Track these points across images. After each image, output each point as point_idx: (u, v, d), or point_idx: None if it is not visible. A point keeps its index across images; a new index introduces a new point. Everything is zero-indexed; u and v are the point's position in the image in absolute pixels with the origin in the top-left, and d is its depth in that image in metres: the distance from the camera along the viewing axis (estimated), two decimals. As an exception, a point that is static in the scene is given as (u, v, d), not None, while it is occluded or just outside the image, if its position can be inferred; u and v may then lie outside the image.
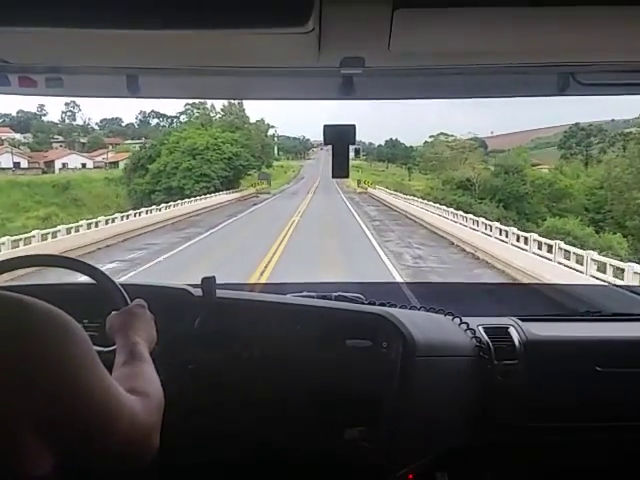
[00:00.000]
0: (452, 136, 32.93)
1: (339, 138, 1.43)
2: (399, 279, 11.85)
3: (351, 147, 1.44)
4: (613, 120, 34.21)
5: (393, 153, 41.74)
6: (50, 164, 31.89)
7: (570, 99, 1.64)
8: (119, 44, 1.07)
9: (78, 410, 0.81)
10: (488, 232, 16.05)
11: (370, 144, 44.61)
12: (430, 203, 23.14)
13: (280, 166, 40.28)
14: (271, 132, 36.90)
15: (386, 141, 43.60)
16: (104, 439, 0.85)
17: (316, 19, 0.94)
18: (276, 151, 41.11)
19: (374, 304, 1.83)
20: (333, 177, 1.47)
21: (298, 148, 47.29)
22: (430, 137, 33.75)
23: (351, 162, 1.47)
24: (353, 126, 1.43)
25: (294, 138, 48.11)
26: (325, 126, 1.42)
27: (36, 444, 0.77)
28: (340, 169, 1.45)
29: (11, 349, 0.77)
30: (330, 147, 1.43)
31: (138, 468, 0.92)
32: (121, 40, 1.04)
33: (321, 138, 1.44)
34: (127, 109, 54.47)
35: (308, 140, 47.89)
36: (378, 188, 32.24)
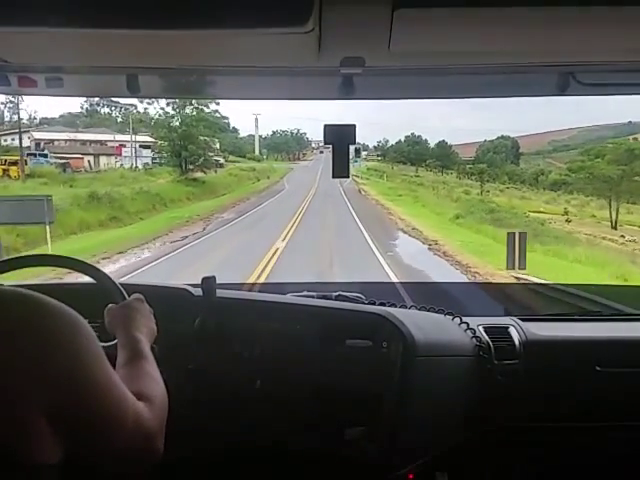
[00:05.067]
0: None
1: (339, 138, 1.43)
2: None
3: (351, 147, 1.44)
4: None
5: (418, 153, 30.76)
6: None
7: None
8: (119, 44, 1.08)
9: (86, 401, 0.84)
10: None
11: (386, 141, 33.39)
12: None
13: (252, 169, 26.75)
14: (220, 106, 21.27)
15: (406, 137, 32.44)
16: (108, 434, 0.87)
17: (316, 19, 0.94)
18: (257, 149, 28.96)
19: (374, 304, 1.82)
20: (334, 177, 1.47)
21: (290, 145, 34.47)
22: None
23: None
24: (353, 126, 1.43)
25: (284, 132, 34.00)
26: (325, 126, 1.42)
27: (46, 431, 0.81)
28: (340, 169, 1.45)
29: (28, 342, 0.80)
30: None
31: (139, 471, 0.93)
32: (121, 40, 1.04)
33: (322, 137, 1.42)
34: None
35: (304, 135, 34.80)
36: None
